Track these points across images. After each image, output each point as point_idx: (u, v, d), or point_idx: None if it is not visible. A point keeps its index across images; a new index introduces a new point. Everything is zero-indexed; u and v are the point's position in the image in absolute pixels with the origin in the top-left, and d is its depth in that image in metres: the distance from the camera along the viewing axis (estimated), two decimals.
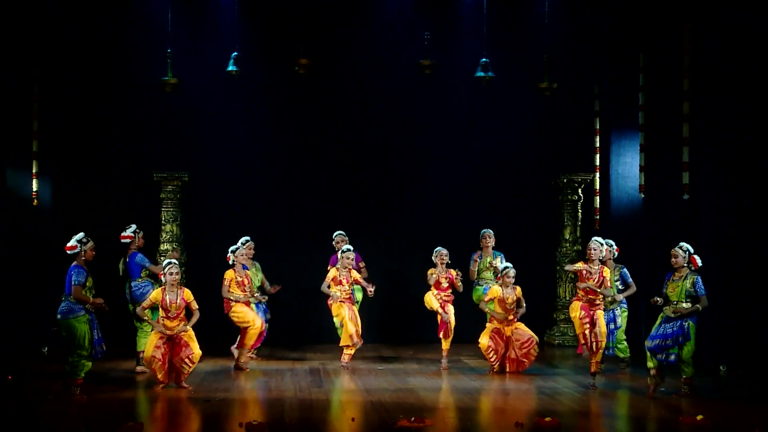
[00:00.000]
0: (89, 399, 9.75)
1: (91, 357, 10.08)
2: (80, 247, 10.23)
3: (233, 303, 11.54)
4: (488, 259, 12.92)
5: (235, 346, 11.92)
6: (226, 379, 11.11)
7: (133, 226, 11.71)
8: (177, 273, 10.65)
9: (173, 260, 10.82)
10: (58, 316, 10.08)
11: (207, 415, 9.21)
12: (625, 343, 11.66)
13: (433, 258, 12.19)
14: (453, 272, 12.10)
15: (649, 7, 13.39)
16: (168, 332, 10.44)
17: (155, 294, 10.64)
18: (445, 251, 12.14)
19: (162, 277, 10.67)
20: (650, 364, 10.15)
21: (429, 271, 12.18)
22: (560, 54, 13.58)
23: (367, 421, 8.92)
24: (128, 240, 11.65)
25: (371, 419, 9.01)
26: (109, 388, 10.40)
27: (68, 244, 10.27)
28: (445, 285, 12.09)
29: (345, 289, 12.04)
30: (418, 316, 13.45)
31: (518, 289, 11.61)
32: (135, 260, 11.58)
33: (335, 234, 13.05)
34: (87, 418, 9.04)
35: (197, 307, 10.69)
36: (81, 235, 10.32)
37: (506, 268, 11.64)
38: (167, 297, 10.50)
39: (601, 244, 11.01)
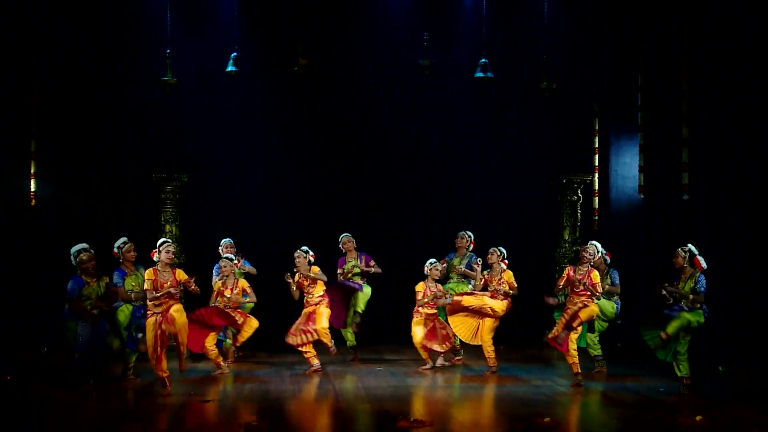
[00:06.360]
0: (86, 400, 9.75)
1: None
2: (73, 259, 10.29)
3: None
4: (457, 261, 12.81)
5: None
6: (226, 380, 11.09)
7: (120, 240, 11.07)
8: (171, 252, 10.22)
9: (168, 240, 10.55)
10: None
11: (206, 416, 9.20)
12: (597, 340, 11.68)
13: (426, 270, 11.84)
14: (441, 288, 12.01)
15: (648, 8, 13.40)
16: (158, 310, 10.03)
17: (149, 274, 10.11)
18: (440, 266, 11.96)
19: (154, 256, 10.32)
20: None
21: (418, 287, 11.81)
22: (560, 54, 13.59)
23: (366, 422, 8.91)
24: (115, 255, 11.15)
25: (371, 419, 9.00)
26: (109, 389, 10.39)
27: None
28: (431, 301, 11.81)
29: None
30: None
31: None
32: (114, 277, 10.95)
33: (342, 236, 12.89)
34: (86, 419, 9.02)
35: (195, 287, 10.33)
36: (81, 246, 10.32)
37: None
38: (159, 278, 10.10)
39: (598, 251, 11.05)
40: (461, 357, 12.42)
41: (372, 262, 12.78)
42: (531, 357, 12.89)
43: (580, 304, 10.68)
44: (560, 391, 10.43)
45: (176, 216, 13.77)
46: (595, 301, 10.90)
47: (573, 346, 10.69)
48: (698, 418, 8.73)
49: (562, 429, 8.49)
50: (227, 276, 11.69)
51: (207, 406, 9.55)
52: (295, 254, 11.76)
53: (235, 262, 11.98)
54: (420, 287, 11.84)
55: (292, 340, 11.63)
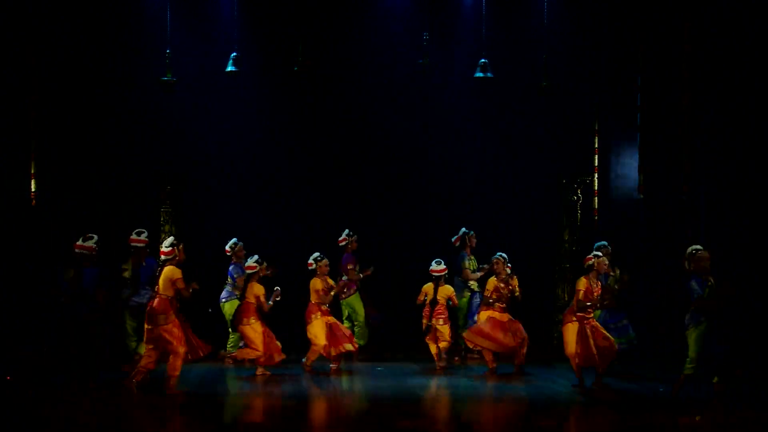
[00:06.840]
0: (86, 400, 9.76)
1: None
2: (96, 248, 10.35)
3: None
4: (474, 261, 12.84)
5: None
6: (225, 381, 11.10)
7: (146, 232, 11.45)
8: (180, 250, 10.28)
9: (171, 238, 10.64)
10: None
11: (207, 416, 9.20)
12: None
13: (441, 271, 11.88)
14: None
15: (648, 8, 13.41)
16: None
17: (177, 273, 10.04)
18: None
19: (170, 255, 10.24)
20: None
21: (454, 291, 11.94)
22: (560, 54, 13.59)
23: (367, 422, 8.91)
24: (141, 245, 11.36)
25: (371, 419, 9.00)
26: (109, 389, 10.40)
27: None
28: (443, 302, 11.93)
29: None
30: (418, 317, 13.45)
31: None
32: (152, 266, 11.13)
33: (353, 234, 12.98)
34: (86, 419, 9.03)
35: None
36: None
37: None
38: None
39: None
40: (461, 357, 12.42)
41: (350, 266, 12.97)
42: (531, 357, 12.87)
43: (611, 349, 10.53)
44: (560, 391, 10.43)
45: (176, 216, 13.76)
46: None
47: (574, 348, 10.66)
48: (698, 418, 8.74)
49: (562, 429, 8.50)
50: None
51: (207, 405, 9.56)
52: (322, 262, 11.73)
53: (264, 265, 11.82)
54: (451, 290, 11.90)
55: (335, 351, 11.60)
